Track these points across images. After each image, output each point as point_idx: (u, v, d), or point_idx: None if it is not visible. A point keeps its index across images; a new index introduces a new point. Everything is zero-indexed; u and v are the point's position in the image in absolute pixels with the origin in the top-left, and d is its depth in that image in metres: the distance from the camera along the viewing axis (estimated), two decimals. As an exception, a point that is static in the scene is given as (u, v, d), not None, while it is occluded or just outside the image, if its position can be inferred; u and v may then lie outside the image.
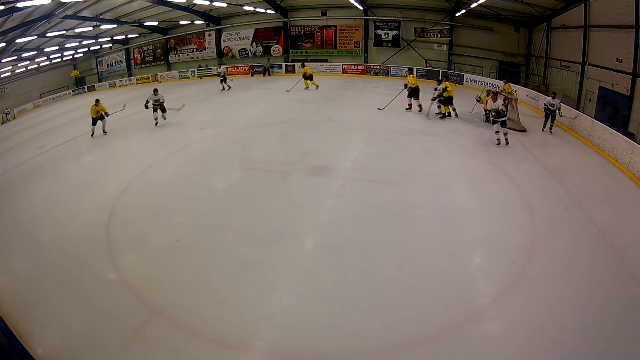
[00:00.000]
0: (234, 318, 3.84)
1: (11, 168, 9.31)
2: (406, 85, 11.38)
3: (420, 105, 11.35)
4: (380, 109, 11.33)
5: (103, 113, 11.25)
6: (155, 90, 11.25)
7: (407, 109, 11.45)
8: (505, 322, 3.77)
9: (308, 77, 15.53)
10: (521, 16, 15.86)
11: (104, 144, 10.17)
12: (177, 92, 17.00)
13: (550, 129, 9.59)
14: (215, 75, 18.38)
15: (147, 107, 11.25)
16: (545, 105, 9.63)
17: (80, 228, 5.73)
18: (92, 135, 11.16)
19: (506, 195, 6.25)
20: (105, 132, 11.29)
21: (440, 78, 11.79)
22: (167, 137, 10.27)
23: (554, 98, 9.46)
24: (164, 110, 11.32)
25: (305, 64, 18.22)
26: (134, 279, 4.48)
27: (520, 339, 3.51)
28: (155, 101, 11.25)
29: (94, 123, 11.26)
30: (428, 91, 11.15)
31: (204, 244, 5.16)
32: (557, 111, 9.29)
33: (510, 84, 12.19)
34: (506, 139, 8.43)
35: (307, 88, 15.52)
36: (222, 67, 18.13)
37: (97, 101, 11.50)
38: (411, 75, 11.61)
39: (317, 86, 15.50)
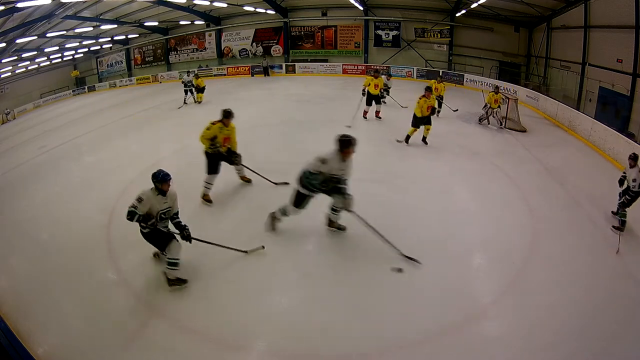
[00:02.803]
0: (234, 318, 3.83)
1: (11, 168, 9.29)
2: (364, 91, 9.96)
3: (377, 112, 10.38)
4: (349, 127, 9.31)
5: (231, 151, 5.79)
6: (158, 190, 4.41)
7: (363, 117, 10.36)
8: (505, 322, 3.76)
9: (200, 90, 14.19)
10: (521, 16, 15.88)
11: (103, 143, 10.15)
12: (177, 92, 16.96)
13: None
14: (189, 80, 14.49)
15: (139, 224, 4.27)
16: (620, 179, 5.20)
17: (81, 228, 5.72)
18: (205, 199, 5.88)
19: (506, 195, 6.25)
20: (247, 180, 6.66)
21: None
22: (166, 137, 10.24)
23: (632, 164, 4.87)
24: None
25: (199, 74, 15.34)
26: (134, 279, 4.48)
27: (520, 339, 3.51)
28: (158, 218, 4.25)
29: (214, 165, 5.69)
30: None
31: (204, 243, 5.14)
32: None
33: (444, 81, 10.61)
34: None
35: (199, 102, 14.15)
36: (190, 74, 14.93)
37: (229, 115, 5.72)
38: (380, 78, 9.91)
39: (200, 101, 14.20)
